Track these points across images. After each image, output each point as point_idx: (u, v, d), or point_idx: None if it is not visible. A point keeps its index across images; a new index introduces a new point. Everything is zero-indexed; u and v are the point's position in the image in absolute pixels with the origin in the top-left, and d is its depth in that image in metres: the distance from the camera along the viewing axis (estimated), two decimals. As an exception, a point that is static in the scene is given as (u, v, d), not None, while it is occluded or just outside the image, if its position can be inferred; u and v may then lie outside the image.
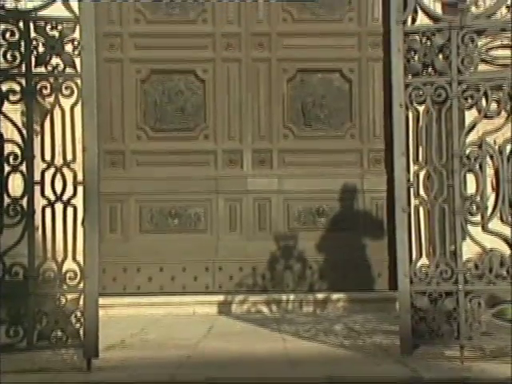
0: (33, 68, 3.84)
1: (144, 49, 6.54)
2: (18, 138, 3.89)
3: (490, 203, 3.96)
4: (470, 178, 4.00)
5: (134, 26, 6.57)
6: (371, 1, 6.57)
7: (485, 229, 3.92)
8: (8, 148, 3.90)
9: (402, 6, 4.01)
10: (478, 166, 3.93)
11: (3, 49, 3.80)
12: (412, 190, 4.06)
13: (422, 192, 4.04)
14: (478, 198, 3.92)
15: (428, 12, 4.05)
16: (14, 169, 3.83)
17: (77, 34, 3.88)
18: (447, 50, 3.94)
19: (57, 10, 3.89)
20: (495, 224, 3.92)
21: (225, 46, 6.58)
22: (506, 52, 3.89)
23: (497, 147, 3.96)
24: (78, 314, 3.85)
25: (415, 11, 4.03)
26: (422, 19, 4.13)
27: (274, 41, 6.60)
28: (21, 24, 3.82)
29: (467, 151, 3.95)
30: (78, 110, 3.91)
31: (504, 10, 3.93)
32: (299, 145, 6.61)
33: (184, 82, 6.59)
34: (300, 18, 6.60)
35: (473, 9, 4.07)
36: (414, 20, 4.12)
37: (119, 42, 6.56)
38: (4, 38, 3.78)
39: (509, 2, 3.85)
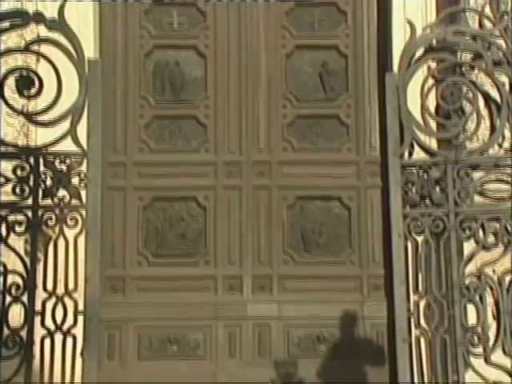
0: (40, 200, 3.94)
1: (147, 177, 6.65)
2: (20, 268, 3.92)
3: (492, 332, 3.94)
4: (471, 307, 4.00)
5: (138, 155, 6.71)
6: (369, 131, 6.74)
7: (488, 361, 3.89)
8: (9, 278, 3.92)
9: (398, 139, 4.16)
10: (477, 297, 3.95)
11: (12, 183, 3.91)
12: (412, 319, 4.05)
13: (422, 322, 4.03)
14: (480, 329, 3.92)
15: (424, 147, 4.19)
16: (16, 299, 3.85)
17: (83, 167, 4.00)
18: (443, 182, 4.06)
19: (65, 145, 4.02)
20: (498, 356, 3.89)
21: (226, 174, 6.71)
22: (501, 186, 4.00)
23: (496, 278, 3.99)
24: None
25: (411, 145, 4.17)
26: (419, 152, 4.26)
27: (275, 169, 6.72)
28: (31, 159, 3.94)
29: (467, 281, 3.98)
30: (81, 239, 3.96)
31: (497, 147, 4.08)
32: (299, 271, 6.61)
33: (185, 209, 6.67)
34: (300, 147, 6.76)
35: (467, 143, 4.21)
36: (410, 153, 4.26)
37: (123, 171, 6.68)
38: (14, 173, 3.89)
39: (500, 140, 3.99)
